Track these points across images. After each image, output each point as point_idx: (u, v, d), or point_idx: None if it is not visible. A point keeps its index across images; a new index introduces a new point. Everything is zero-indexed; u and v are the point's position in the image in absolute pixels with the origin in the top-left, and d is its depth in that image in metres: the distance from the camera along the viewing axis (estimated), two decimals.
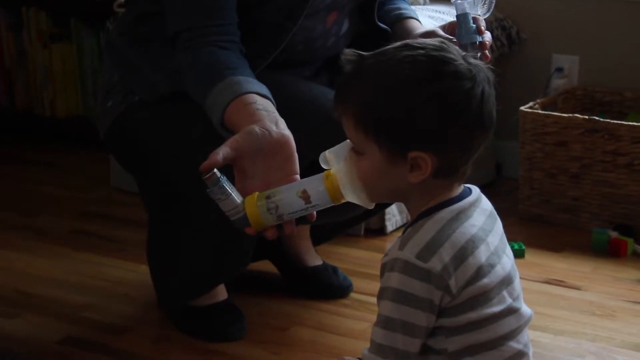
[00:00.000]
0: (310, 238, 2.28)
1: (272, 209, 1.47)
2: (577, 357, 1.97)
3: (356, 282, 2.27)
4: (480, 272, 1.35)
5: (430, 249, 1.33)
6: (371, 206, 1.46)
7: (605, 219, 2.61)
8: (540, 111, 2.68)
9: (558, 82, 2.91)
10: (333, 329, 2.08)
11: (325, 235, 2.32)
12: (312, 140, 1.83)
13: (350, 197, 1.43)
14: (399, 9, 2.08)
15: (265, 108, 1.64)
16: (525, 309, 1.43)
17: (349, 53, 1.39)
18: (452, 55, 1.34)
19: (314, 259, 2.28)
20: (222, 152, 1.52)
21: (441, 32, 1.93)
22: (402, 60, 1.33)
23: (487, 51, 1.89)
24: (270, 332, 2.07)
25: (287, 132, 1.59)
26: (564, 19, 2.94)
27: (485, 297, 1.36)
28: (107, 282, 2.33)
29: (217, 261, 1.98)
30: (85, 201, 2.91)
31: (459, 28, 1.89)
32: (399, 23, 2.05)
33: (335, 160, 1.43)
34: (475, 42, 1.88)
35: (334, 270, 2.27)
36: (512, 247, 2.40)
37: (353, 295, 2.24)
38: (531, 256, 2.45)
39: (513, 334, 1.39)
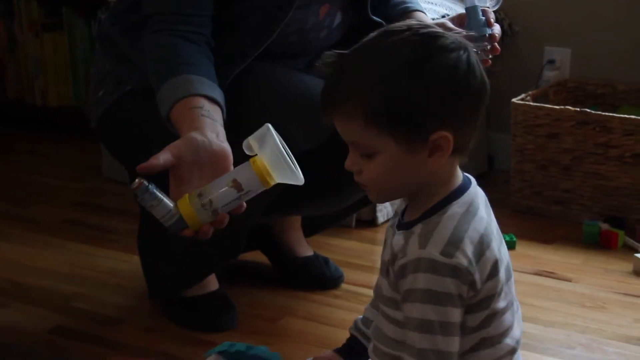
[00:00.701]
0: (301, 229, 2.28)
1: (206, 204, 1.48)
2: (567, 348, 1.98)
3: (347, 273, 2.27)
4: (496, 266, 1.34)
5: (452, 244, 1.31)
6: (301, 182, 1.45)
7: (597, 211, 2.62)
8: (531, 103, 2.68)
9: (550, 74, 2.91)
10: (324, 320, 2.08)
11: (316, 226, 2.32)
12: (305, 130, 1.83)
13: (280, 177, 1.44)
14: (405, 2, 2.08)
15: (210, 115, 1.63)
16: (517, 302, 1.43)
17: (328, 55, 1.35)
18: (437, 30, 1.33)
19: (305, 250, 2.28)
20: (162, 158, 1.52)
21: (450, 25, 1.93)
22: (396, 45, 1.31)
23: (496, 43, 1.89)
24: (261, 322, 2.07)
25: (227, 145, 1.58)
26: (557, 11, 2.94)
27: (498, 291, 1.35)
28: (99, 272, 2.33)
29: (208, 252, 1.98)
30: (77, 191, 2.91)
31: (468, 21, 1.89)
32: (405, 16, 2.05)
33: (258, 144, 1.43)
34: (485, 35, 1.88)
35: (325, 261, 2.28)
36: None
37: (344, 286, 2.24)
38: (522, 248, 2.46)
39: (509, 330, 1.39)
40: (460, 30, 1.88)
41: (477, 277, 1.31)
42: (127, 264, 2.35)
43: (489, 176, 2.97)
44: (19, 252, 2.45)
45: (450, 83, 1.29)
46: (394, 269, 1.36)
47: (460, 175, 1.38)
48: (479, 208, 1.36)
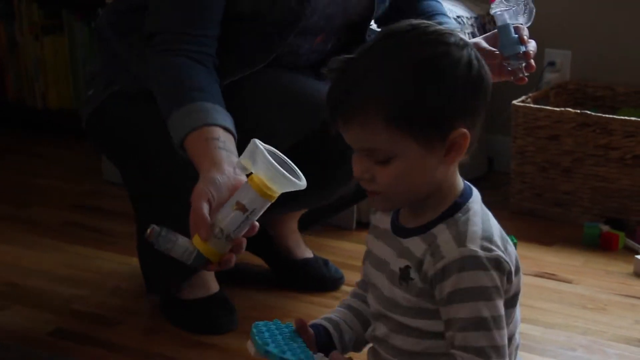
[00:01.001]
0: (298, 230, 2.28)
1: (218, 233, 1.49)
2: (568, 350, 1.97)
3: (347, 275, 2.27)
4: (518, 261, 1.35)
5: (486, 239, 1.30)
6: (304, 186, 1.44)
7: (597, 212, 2.62)
8: (532, 105, 2.68)
9: (550, 77, 2.91)
10: None
11: (312, 219, 2.30)
12: (290, 124, 1.83)
13: (280, 187, 1.45)
14: (441, 24, 2.07)
15: (226, 147, 1.63)
16: None
17: (334, 61, 1.31)
18: (443, 27, 1.33)
19: (304, 252, 2.28)
20: (205, 212, 1.50)
21: (484, 44, 1.91)
22: (410, 44, 1.29)
23: (531, 60, 1.88)
24: None
25: (244, 178, 1.57)
26: (557, 13, 2.94)
27: (521, 288, 1.36)
28: (99, 274, 2.33)
29: None
30: (77, 193, 2.90)
31: (500, 40, 1.87)
32: None
33: (251, 162, 1.44)
34: (519, 53, 1.86)
35: (325, 262, 2.27)
36: None
37: (344, 287, 2.23)
38: (523, 250, 2.45)
39: (518, 326, 1.40)
40: (493, 49, 1.87)
41: (512, 268, 1.32)
42: (126, 266, 2.35)
43: (489, 178, 2.97)
44: (18, 254, 2.45)
45: (468, 79, 1.29)
46: (422, 275, 1.32)
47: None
48: (486, 208, 1.37)
